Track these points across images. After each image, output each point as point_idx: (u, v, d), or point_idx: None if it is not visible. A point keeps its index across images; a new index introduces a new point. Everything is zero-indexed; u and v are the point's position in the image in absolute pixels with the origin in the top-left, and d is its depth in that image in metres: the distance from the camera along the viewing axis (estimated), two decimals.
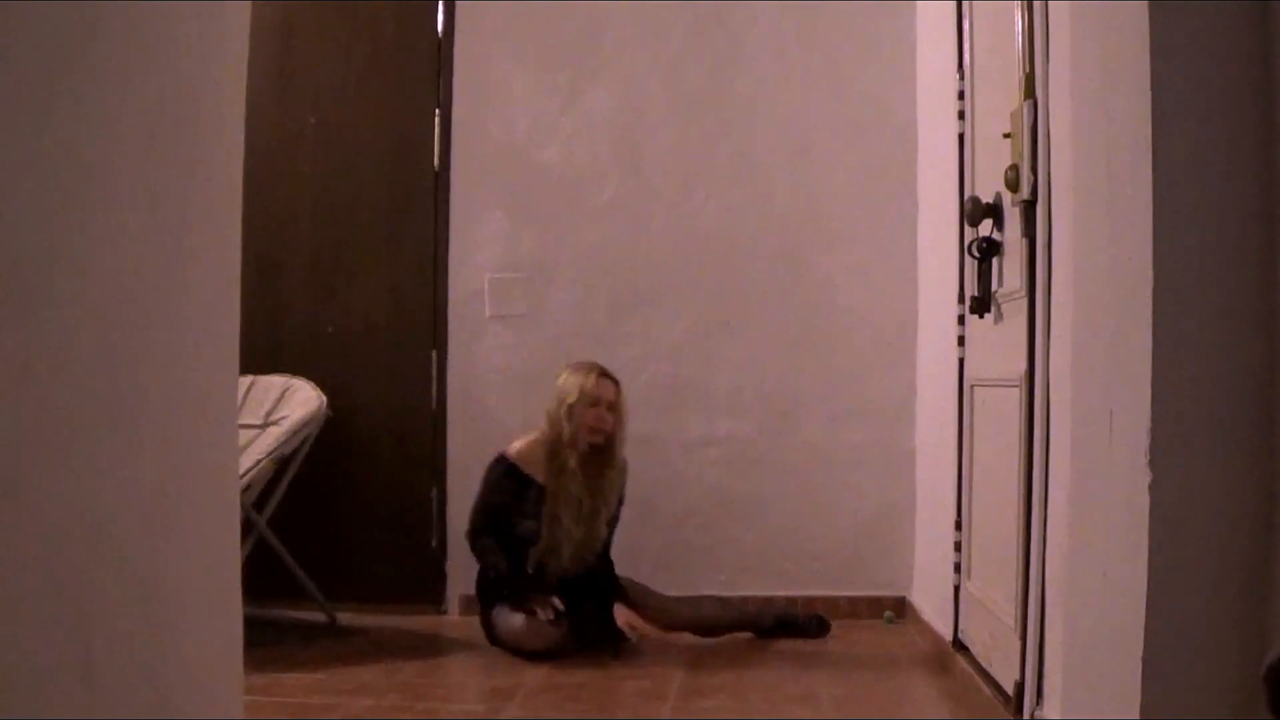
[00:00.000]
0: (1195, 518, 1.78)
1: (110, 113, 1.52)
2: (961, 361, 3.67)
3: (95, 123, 1.49)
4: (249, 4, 1.97)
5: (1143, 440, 1.79)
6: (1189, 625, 1.78)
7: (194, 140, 1.76)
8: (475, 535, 4.08)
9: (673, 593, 4.24)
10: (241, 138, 1.91)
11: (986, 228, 3.20)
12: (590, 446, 4.06)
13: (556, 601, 3.92)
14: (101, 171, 1.50)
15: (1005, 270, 3.13)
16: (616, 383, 4.12)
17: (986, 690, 3.14)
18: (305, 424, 4.16)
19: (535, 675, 3.64)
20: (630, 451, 4.15)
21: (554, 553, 4.05)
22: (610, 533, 4.17)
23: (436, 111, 4.70)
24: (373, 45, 4.75)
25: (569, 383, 4.07)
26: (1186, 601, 1.78)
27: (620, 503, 4.20)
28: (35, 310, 1.37)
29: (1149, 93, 1.78)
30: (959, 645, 3.58)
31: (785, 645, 4.12)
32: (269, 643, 3.95)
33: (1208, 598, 1.78)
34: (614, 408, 4.07)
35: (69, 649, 1.44)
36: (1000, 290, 3.19)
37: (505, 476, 4.06)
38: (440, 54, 4.69)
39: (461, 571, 4.63)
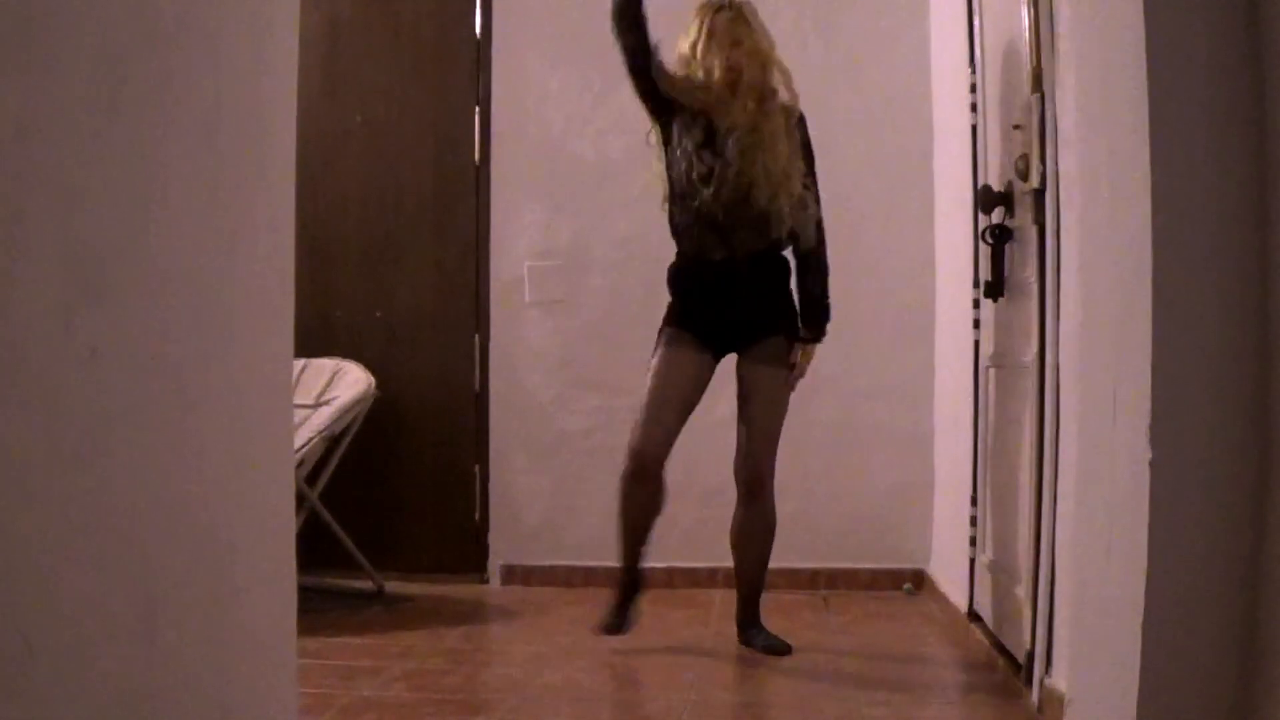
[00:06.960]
0: (1193, 492, 1.82)
1: (171, 115, 1.58)
2: (976, 343, 3.69)
3: (157, 124, 1.54)
4: (297, 12, 2.01)
5: (1144, 418, 1.82)
6: (1186, 595, 1.82)
7: (249, 139, 1.82)
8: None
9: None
10: (293, 136, 1.96)
11: (999, 215, 3.24)
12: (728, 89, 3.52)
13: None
14: (164, 168, 1.56)
15: (1017, 256, 3.17)
16: (737, 9, 3.52)
17: (999, 659, 3.21)
18: (355, 404, 4.25)
19: (570, 639, 3.73)
20: None
21: (706, 202, 3.50)
22: (788, 207, 3.55)
23: (476, 109, 4.78)
24: (415, 48, 4.82)
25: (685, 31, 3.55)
26: (1184, 572, 1.81)
27: (805, 157, 3.62)
28: (104, 297, 1.42)
29: (1145, 86, 1.83)
30: (974, 615, 3.63)
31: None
32: (320, 609, 4.05)
33: (1204, 568, 1.81)
34: (740, 45, 3.52)
35: (134, 611, 1.49)
36: (1012, 275, 3.22)
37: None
38: (479, 55, 4.77)
39: (502, 543, 4.73)
